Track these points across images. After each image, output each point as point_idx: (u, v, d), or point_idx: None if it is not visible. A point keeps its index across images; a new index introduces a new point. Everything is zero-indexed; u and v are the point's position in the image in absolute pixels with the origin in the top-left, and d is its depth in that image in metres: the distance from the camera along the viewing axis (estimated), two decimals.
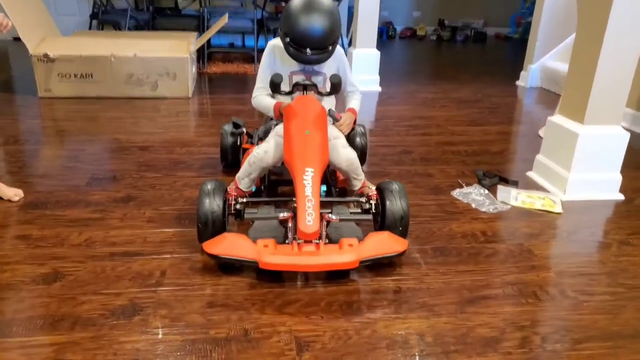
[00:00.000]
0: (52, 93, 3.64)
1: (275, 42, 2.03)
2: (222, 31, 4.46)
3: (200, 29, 5.06)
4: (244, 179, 1.93)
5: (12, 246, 1.71)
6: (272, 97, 2.09)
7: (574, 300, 1.55)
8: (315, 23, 1.77)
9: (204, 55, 5.01)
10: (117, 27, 5.21)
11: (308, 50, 1.81)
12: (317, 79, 1.99)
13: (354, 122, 2.13)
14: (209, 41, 4.94)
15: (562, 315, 1.47)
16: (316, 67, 2.00)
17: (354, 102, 2.17)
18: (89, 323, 1.35)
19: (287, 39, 1.84)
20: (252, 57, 5.24)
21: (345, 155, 1.91)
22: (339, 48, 2.01)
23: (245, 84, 4.38)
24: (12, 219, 1.91)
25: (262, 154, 1.87)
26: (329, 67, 2.01)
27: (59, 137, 2.95)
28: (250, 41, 6.11)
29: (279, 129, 1.93)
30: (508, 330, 1.40)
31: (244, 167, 1.93)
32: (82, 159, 2.53)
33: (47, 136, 2.97)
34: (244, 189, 1.94)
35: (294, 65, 1.99)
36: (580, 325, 1.43)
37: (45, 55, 3.54)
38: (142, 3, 5.65)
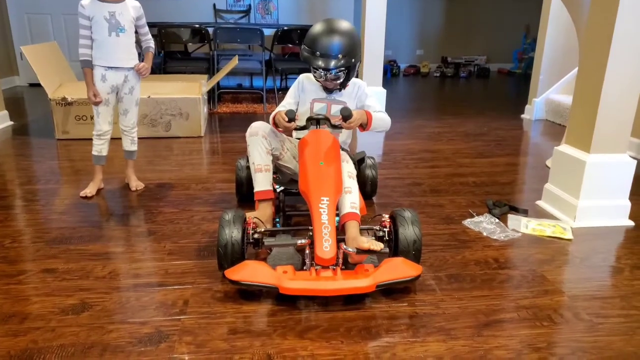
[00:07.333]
0: (70, 135, 3.78)
1: (305, 74, 2.16)
2: (231, 72, 4.62)
3: (210, 71, 5.24)
4: (255, 179, 2.04)
5: (40, 279, 1.77)
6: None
7: (589, 322, 1.57)
8: (330, 30, 1.92)
9: (214, 96, 5.18)
10: None
11: (317, 52, 1.92)
12: (337, 107, 2.08)
13: (369, 124, 2.00)
14: (218, 82, 5.11)
15: (578, 337, 1.50)
16: (337, 97, 2.10)
17: (375, 111, 2.07)
18: (117, 350, 1.39)
19: (303, 46, 1.97)
20: (261, 97, 5.40)
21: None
22: (361, 82, 2.11)
23: None
24: (39, 254, 1.97)
25: (249, 130, 2.04)
26: (349, 97, 2.11)
27: (77, 177, 3.03)
28: (258, 82, 6.30)
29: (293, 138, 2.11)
30: (525, 352, 1.42)
31: (250, 168, 2.07)
32: (101, 196, 2.61)
33: (66, 175, 3.06)
34: (263, 189, 2.02)
35: (317, 94, 2.10)
36: (596, 346, 1.46)
37: (63, 99, 3.69)
38: (154, 48, 5.85)
